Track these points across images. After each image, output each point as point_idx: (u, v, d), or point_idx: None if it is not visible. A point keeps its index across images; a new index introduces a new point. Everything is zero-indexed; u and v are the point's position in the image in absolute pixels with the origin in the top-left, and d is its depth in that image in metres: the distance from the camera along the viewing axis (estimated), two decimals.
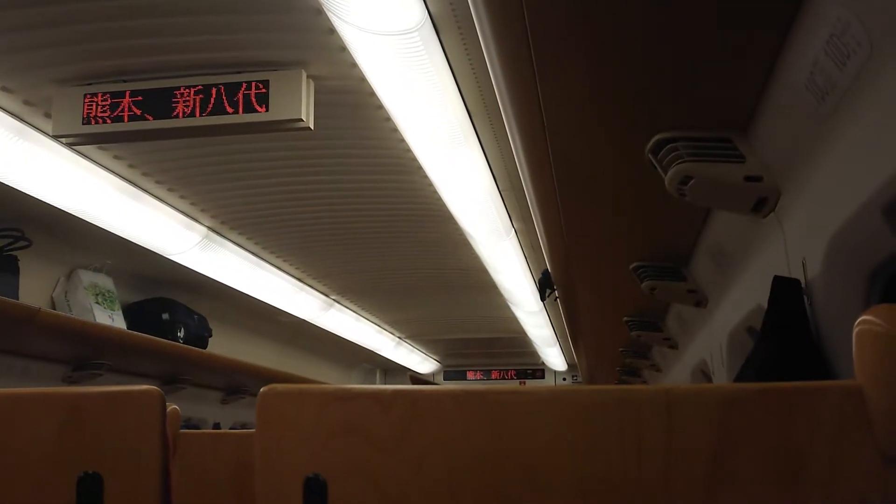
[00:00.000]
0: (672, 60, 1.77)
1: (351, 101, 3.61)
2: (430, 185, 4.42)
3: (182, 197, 4.68)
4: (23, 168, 3.80)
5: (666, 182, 2.10)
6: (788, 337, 1.90)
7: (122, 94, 3.37)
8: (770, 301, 1.97)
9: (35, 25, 3.00)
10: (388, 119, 3.66)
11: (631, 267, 3.27)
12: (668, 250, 3.12)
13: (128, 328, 5.18)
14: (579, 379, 11.54)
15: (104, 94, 3.38)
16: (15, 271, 4.45)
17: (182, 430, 2.05)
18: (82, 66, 3.30)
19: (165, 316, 5.68)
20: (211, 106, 3.30)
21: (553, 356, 11.35)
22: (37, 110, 3.56)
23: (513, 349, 11.41)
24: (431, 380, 12.91)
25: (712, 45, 1.71)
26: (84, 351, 4.75)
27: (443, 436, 0.95)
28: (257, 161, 4.31)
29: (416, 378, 11.95)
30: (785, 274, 2.02)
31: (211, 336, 6.18)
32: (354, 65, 3.16)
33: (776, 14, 1.57)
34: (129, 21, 3.01)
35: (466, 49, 3.14)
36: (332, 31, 2.95)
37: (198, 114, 3.31)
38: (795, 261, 2.00)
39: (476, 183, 4.31)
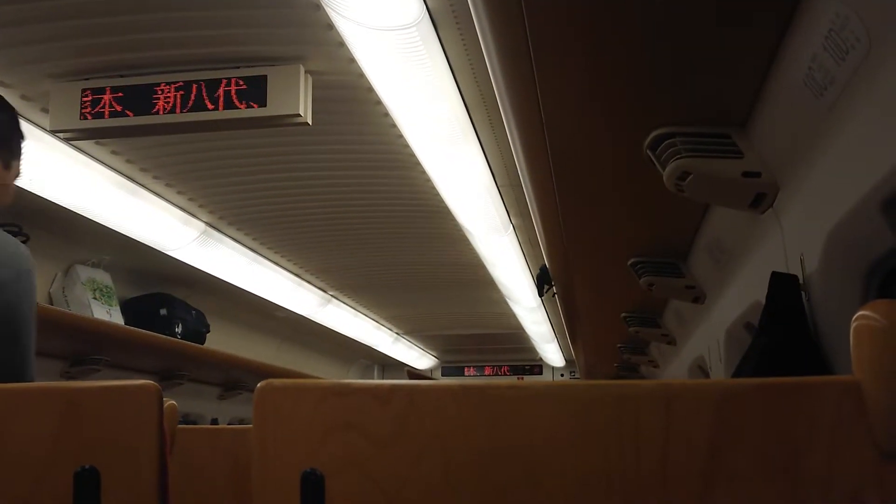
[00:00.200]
0: (670, 55, 1.77)
1: (349, 97, 3.61)
2: (429, 180, 4.42)
3: (180, 192, 4.67)
4: (20, 163, 3.79)
5: (664, 178, 2.10)
6: (786, 333, 1.90)
7: (119, 90, 3.36)
8: (768, 297, 1.97)
9: (32, 20, 2.99)
10: (387, 115, 3.65)
11: (629, 263, 3.27)
12: (666, 246, 3.12)
13: (125, 324, 5.18)
14: (577, 375, 11.55)
15: (102, 89, 3.37)
16: None
17: (180, 426, 2.05)
18: (80, 61, 3.30)
19: (163, 311, 5.68)
20: (210, 101, 3.30)
21: (551, 352, 11.36)
22: (34, 105, 3.56)
23: (511, 345, 11.41)
24: (429, 375, 12.91)
25: (711, 40, 1.70)
26: (82, 346, 4.75)
27: (441, 431, 0.95)
28: (255, 157, 4.30)
29: (413, 373, 11.96)
30: (783, 270, 2.02)
31: (209, 332, 6.17)
32: (353, 60, 3.15)
33: (775, 9, 1.57)
34: (126, 16, 3.01)
35: (465, 44, 3.14)
36: (330, 26, 2.94)
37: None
38: (793, 256, 2.00)
39: (474, 179, 4.31)
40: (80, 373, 4.95)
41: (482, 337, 10.65)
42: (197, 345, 5.72)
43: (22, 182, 3.88)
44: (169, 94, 3.32)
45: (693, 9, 1.60)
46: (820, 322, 1.88)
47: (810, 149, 1.78)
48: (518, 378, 13.01)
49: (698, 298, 3.31)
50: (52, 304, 4.87)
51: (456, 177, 4.28)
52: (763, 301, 2.00)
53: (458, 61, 3.24)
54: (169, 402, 1.77)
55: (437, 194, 4.61)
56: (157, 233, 4.93)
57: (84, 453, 1.03)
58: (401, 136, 3.84)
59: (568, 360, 11.92)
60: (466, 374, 13.51)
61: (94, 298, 5.06)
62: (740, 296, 2.67)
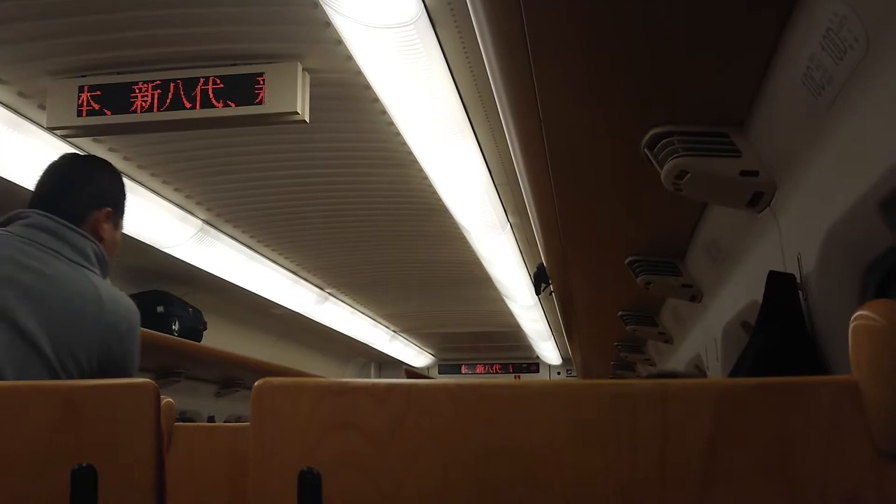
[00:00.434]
0: (668, 54, 1.77)
1: (347, 95, 3.61)
2: (426, 178, 4.42)
3: (177, 190, 4.67)
4: (17, 160, 3.79)
5: (662, 176, 2.10)
6: (783, 332, 1.90)
7: (117, 86, 3.36)
8: (765, 296, 1.97)
9: (30, 17, 2.99)
10: (384, 112, 3.65)
11: (626, 261, 3.28)
12: (663, 245, 3.12)
13: None
14: (574, 373, 11.56)
15: (99, 85, 3.37)
16: None
17: (177, 423, 2.05)
18: (77, 58, 3.29)
19: (160, 309, 5.68)
20: (208, 98, 3.29)
21: (548, 350, 11.37)
22: (31, 102, 3.55)
23: (507, 343, 11.42)
24: (426, 374, 12.92)
25: (709, 39, 1.70)
26: None
27: (437, 430, 0.94)
28: (253, 154, 4.30)
29: (410, 372, 11.96)
30: (780, 269, 2.02)
31: (206, 329, 6.17)
32: (350, 58, 3.15)
33: (773, 8, 1.57)
34: (124, 13, 3.00)
35: (462, 43, 3.14)
36: (328, 23, 2.94)
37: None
38: (791, 256, 2.01)
39: (472, 177, 4.31)
40: None
41: (479, 335, 10.66)
42: (194, 342, 5.72)
43: (20, 179, 3.89)
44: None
45: (691, 6, 1.60)
46: (817, 321, 1.88)
47: (808, 148, 1.78)
48: (515, 376, 13.02)
49: (695, 297, 3.31)
50: None
51: (453, 175, 4.28)
52: (760, 300, 2.00)
53: (455, 59, 3.24)
54: (166, 399, 1.77)
55: (435, 192, 4.61)
56: (154, 230, 4.92)
57: (81, 451, 1.03)
58: (398, 133, 3.84)
59: (565, 359, 11.93)
60: (465, 371, 13.51)
61: None
62: (737, 295, 2.67)
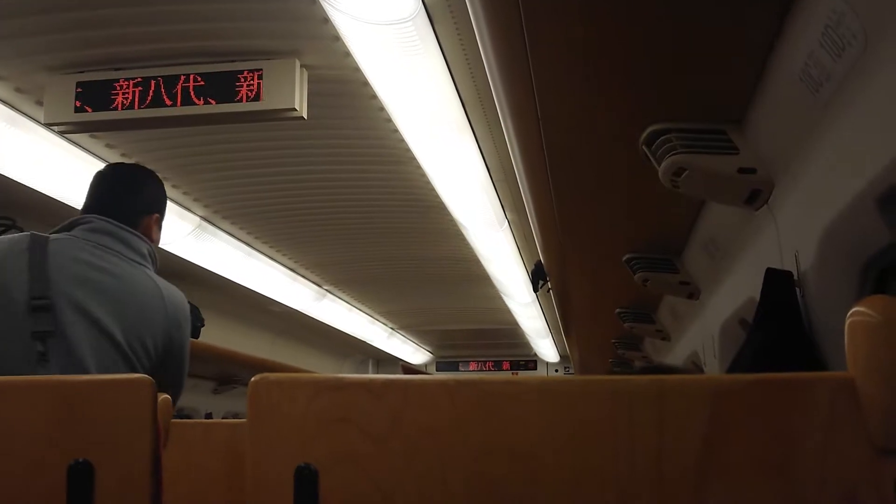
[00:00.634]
0: (666, 51, 1.77)
1: (345, 91, 3.60)
2: (424, 175, 4.42)
3: (175, 186, 4.67)
4: (14, 156, 3.79)
5: (660, 174, 2.10)
6: (781, 329, 1.90)
7: (115, 82, 3.35)
8: (762, 293, 1.97)
9: (28, 12, 2.98)
10: (382, 109, 3.65)
11: (624, 258, 3.28)
12: (661, 242, 3.12)
13: None
14: (571, 370, 11.56)
15: (97, 82, 3.36)
16: None
17: (174, 420, 2.05)
18: (75, 54, 3.29)
19: None
20: (206, 94, 3.29)
21: (545, 347, 11.37)
22: (29, 98, 3.55)
23: (505, 340, 11.43)
24: (424, 370, 12.92)
25: (707, 36, 1.70)
26: None
27: (434, 425, 0.95)
28: (250, 151, 4.29)
29: (407, 368, 11.96)
30: (778, 266, 2.02)
31: (203, 326, 6.16)
32: (348, 54, 3.14)
33: (772, 4, 1.57)
34: (122, 9, 2.99)
35: (461, 39, 3.13)
36: (326, 20, 2.94)
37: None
38: (788, 253, 2.01)
39: (469, 173, 4.30)
40: None
41: (477, 332, 10.66)
42: (192, 339, 5.71)
43: (17, 175, 3.88)
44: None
45: (690, 4, 1.60)
46: (814, 318, 1.88)
47: (806, 145, 1.78)
48: (513, 374, 13.03)
49: (693, 294, 3.31)
50: None
51: (451, 171, 4.28)
52: (758, 297, 2.00)
53: (453, 56, 3.24)
54: (163, 395, 1.77)
55: (433, 189, 4.61)
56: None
57: (78, 447, 1.03)
58: (396, 130, 3.84)
59: (562, 356, 11.92)
60: (462, 368, 13.52)
61: None
62: (735, 292, 2.67)
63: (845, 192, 1.62)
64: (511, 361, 13.48)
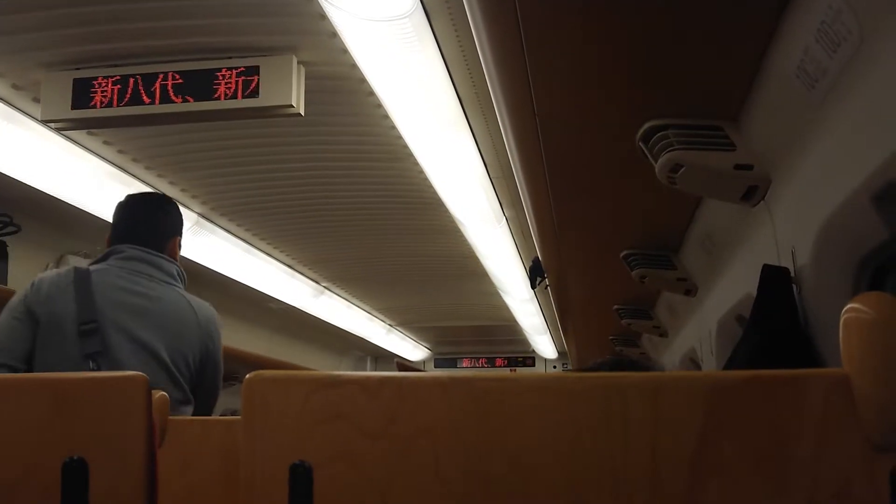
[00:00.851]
0: (663, 48, 1.77)
1: (342, 88, 3.60)
2: (421, 172, 4.42)
3: (172, 183, 4.66)
4: (11, 153, 3.78)
5: (657, 170, 2.10)
6: (777, 325, 1.90)
7: (111, 79, 3.35)
8: (759, 289, 1.97)
9: (24, 8, 2.98)
10: (379, 105, 3.64)
11: (621, 255, 3.28)
12: (658, 239, 3.12)
13: None
14: (569, 367, 11.56)
15: (93, 78, 3.36)
16: (3, 257, 4.44)
17: (170, 417, 2.05)
18: (72, 51, 3.28)
19: None
20: (202, 91, 3.29)
21: (543, 344, 11.37)
22: (25, 95, 3.54)
23: (503, 337, 11.43)
24: (419, 367, 12.92)
25: (703, 33, 1.70)
26: None
27: (430, 423, 0.94)
28: (248, 147, 4.29)
29: (402, 365, 11.96)
30: (774, 262, 2.02)
31: None
32: (345, 51, 3.14)
33: (768, 0, 1.57)
34: (119, 5, 2.99)
35: (458, 35, 3.13)
36: (323, 16, 2.93)
37: (190, 99, 3.29)
38: (785, 249, 2.01)
39: (467, 170, 4.30)
40: None
41: (475, 329, 10.66)
42: None
43: (14, 172, 3.88)
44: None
45: (686, 1, 1.60)
46: (811, 315, 1.88)
47: (802, 141, 1.78)
48: (511, 370, 13.04)
49: (690, 291, 3.32)
50: None
51: (449, 168, 4.28)
52: (754, 293, 2.00)
53: (450, 53, 3.24)
54: (160, 393, 1.77)
55: (430, 186, 4.61)
56: None
57: (72, 444, 1.03)
58: (393, 127, 3.84)
59: (560, 352, 11.93)
60: (459, 366, 13.52)
61: None
62: (732, 288, 2.68)
63: (841, 189, 1.62)
64: (509, 358, 13.48)
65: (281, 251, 6.31)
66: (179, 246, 2.67)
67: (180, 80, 3.29)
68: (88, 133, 3.91)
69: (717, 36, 1.71)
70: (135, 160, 4.29)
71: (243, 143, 4.24)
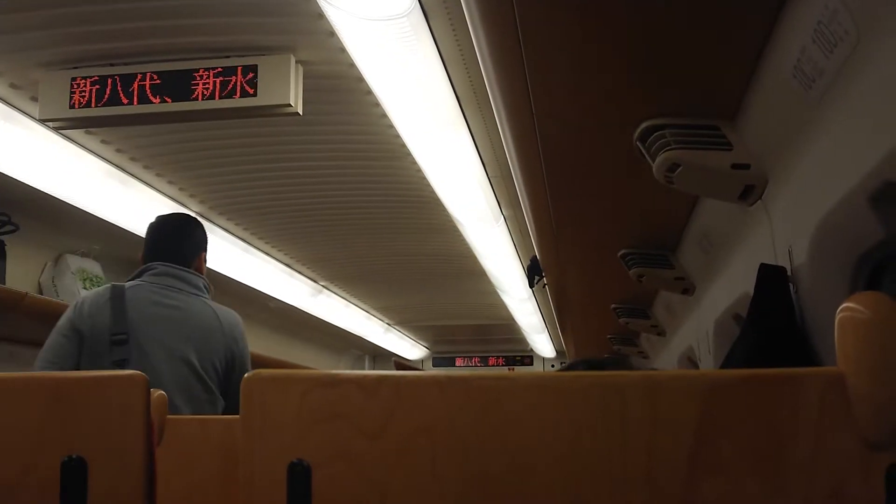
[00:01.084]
0: (659, 47, 1.77)
1: (340, 87, 3.60)
2: (419, 171, 4.42)
3: (170, 182, 4.66)
4: (9, 152, 3.78)
5: (654, 169, 2.10)
6: (774, 324, 1.91)
7: (109, 78, 3.35)
8: (756, 288, 1.98)
9: (22, 7, 2.98)
10: (377, 105, 3.65)
11: (619, 254, 3.28)
12: (656, 238, 3.13)
13: None
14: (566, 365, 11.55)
15: (92, 77, 3.36)
16: (2, 256, 4.44)
17: (169, 416, 2.05)
18: (69, 50, 3.28)
19: None
20: (201, 90, 3.29)
21: (541, 343, 11.38)
22: (23, 94, 3.54)
23: (501, 336, 11.43)
24: (416, 366, 12.92)
25: (701, 33, 1.71)
26: None
27: (427, 421, 0.95)
28: (246, 147, 4.29)
29: (400, 364, 11.97)
30: (771, 261, 2.02)
31: None
32: (343, 50, 3.14)
33: (765, 1, 1.57)
34: (117, 4, 2.99)
35: (455, 35, 3.13)
36: (320, 15, 2.93)
37: (187, 98, 3.30)
38: (782, 248, 2.01)
39: (465, 169, 4.31)
40: None
41: (473, 328, 10.66)
42: None
43: (12, 171, 3.88)
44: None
45: (683, 1, 1.60)
46: (807, 314, 1.89)
47: (799, 141, 1.78)
48: (509, 369, 13.04)
49: (688, 290, 3.32)
50: (41, 294, 4.86)
51: (447, 167, 4.28)
52: (752, 292, 2.00)
53: (448, 52, 3.24)
54: (158, 392, 1.77)
55: (428, 185, 4.61)
56: (147, 222, 4.90)
57: (71, 443, 1.03)
58: (391, 126, 3.84)
59: (558, 351, 11.94)
60: (458, 364, 13.52)
61: (85, 288, 5.05)
62: (729, 287, 2.68)
63: (838, 188, 1.62)
64: (507, 357, 13.48)
65: (279, 250, 6.31)
66: (205, 260, 2.96)
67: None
68: (86, 132, 3.91)
69: (714, 36, 1.71)
70: (133, 159, 4.29)
71: (241, 143, 4.24)
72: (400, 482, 0.94)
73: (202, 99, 3.28)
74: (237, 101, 3.27)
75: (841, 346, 0.90)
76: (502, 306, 8.33)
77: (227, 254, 5.79)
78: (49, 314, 4.35)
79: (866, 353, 0.88)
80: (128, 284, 2.74)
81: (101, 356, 2.57)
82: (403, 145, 4.06)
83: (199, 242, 2.97)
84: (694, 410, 0.93)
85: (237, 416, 0.99)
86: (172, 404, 2.51)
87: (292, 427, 0.95)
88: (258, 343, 7.76)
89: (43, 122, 3.50)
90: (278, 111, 3.31)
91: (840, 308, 0.90)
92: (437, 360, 13.43)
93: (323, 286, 7.52)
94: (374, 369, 11.87)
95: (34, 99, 3.49)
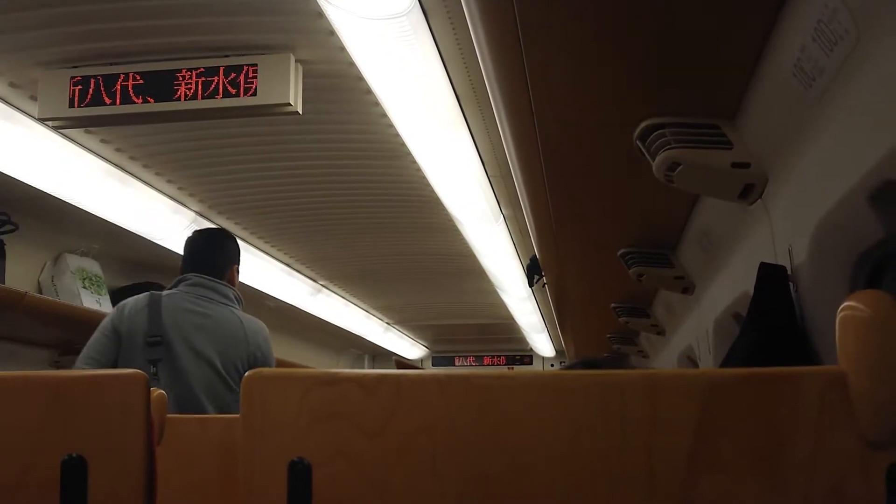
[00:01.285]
0: (659, 46, 1.77)
1: (339, 86, 3.60)
2: (419, 170, 4.42)
3: (170, 181, 4.66)
4: (8, 151, 3.78)
5: (654, 168, 2.10)
6: (774, 323, 1.91)
7: (109, 78, 3.35)
8: (756, 287, 1.98)
9: (21, 7, 2.98)
10: (377, 104, 3.64)
11: (619, 253, 3.28)
12: (655, 237, 3.13)
13: None
14: (566, 364, 11.55)
15: (91, 76, 3.35)
16: (1, 255, 4.44)
17: (169, 415, 2.05)
18: (69, 49, 3.28)
19: None
20: (200, 89, 3.29)
21: (541, 342, 11.38)
22: (22, 93, 3.54)
23: (501, 335, 11.42)
24: (416, 364, 12.93)
25: (699, 31, 1.71)
26: (71, 335, 4.74)
27: (427, 420, 0.95)
28: (245, 146, 4.29)
29: (401, 363, 11.98)
30: (771, 260, 2.02)
31: None
32: (343, 49, 3.14)
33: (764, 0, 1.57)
34: (117, 3, 2.99)
35: (455, 34, 3.13)
36: (320, 14, 2.93)
37: (187, 97, 3.29)
38: (782, 247, 2.01)
39: (465, 168, 4.30)
40: (70, 362, 4.92)
41: (473, 327, 10.66)
42: None
43: (11, 170, 3.88)
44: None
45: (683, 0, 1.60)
46: (807, 313, 1.89)
47: (799, 140, 1.78)
48: (509, 368, 13.04)
49: (687, 289, 3.32)
50: (41, 293, 4.86)
51: (446, 166, 4.28)
52: (752, 291, 2.00)
53: (448, 51, 3.24)
54: (157, 391, 1.77)
55: (428, 184, 4.61)
56: (147, 222, 4.91)
57: (71, 442, 1.03)
58: (391, 125, 3.84)
59: (558, 350, 11.94)
60: (458, 363, 13.52)
61: (84, 287, 5.05)
62: (729, 286, 2.68)
63: (838, 187, 1.62)
64: (507, 356, 13.48)
65: (279, 249, 6.31)
66: (237, 272, 3.27)
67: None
68: (86, 131, 3.90)
69: (714, 35, 1.71)
70: (132, 158, 4.29)
71: (241, 142, 4.24)
72: (400, 481, 0.94)
73: (201, 98, 3.28)
74: (237, 100, 3.27)
75: (841, 344, 0.90)
76: (502, 305, 8.33)
77: None
78: (49, 313, 4.36)
79: (867, 352, 0.88)
80: (164, 293, 3.07)
81: (136, 355, 2.88)
82: (403, 144, 4.06)
83: (232, 256, 3.27)
84: (694, 409, 0.93)
85: (237, 415, 0.99)
86: (198, 400, 2.88)
87: (292, 426, 0.95)
88: None
89: (42, 121, 3.50)
90: (278, 110, 3.31)
91: (841, 307, 0.90)
92: (437, 360, 13.43)
93: (322, 285, 7.52)
94: (373, 369, 11.86)
95: (33, 98, 3.49)
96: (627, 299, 4.36)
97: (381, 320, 9.88)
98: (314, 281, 7.32)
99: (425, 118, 3.67)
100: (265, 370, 0.98)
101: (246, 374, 0.97)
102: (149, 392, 1.05)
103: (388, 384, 0.96)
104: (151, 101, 3.32)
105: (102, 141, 4.05)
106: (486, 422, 0.95)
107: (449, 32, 3.12)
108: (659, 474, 0.91)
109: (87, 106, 3.34)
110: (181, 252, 5.49)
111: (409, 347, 12.04)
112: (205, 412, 2.86)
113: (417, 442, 0.94)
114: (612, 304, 4.46)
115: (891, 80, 1.37)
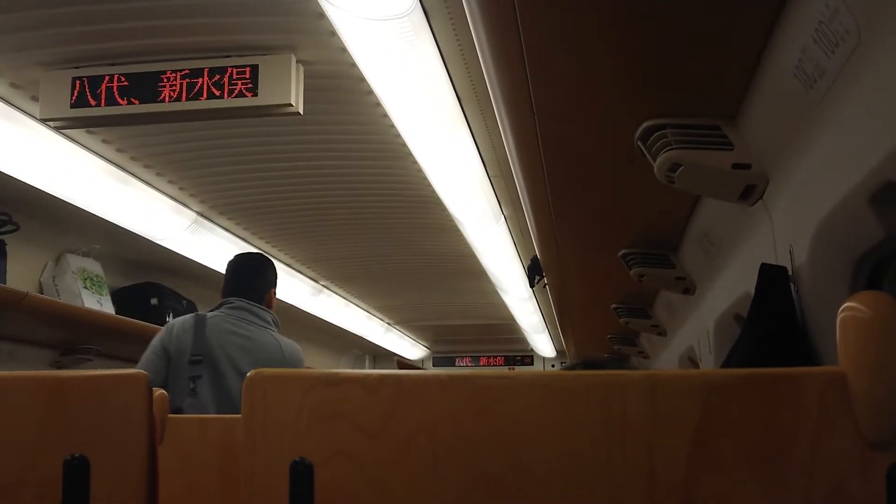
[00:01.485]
0: (660, 47, 1.77)
1: (340, 86, 3.60)
2: (420, 170, 4.42)
3: (171, 182, 4.66)
4: (10, 152, 3.78)
5: (655, 169, 2.10)
6: (775, 324, 1.91)
7: (109, 78, 3.35)
8: (757, 288, 1.98)
9: (22, 7, 2.98)
10: (378, 104, 3.65)
11: (620, 254, 3.28)
12: (656, 237, 3.13)
13: (116, 313, 5.17)
14: (567, 365, 11.54)
15: (92, 77, 3.36)
16: (2, 255, 4.44)
17: (170, 415, 2.06)
18: (70, 49, 3.28)
19: (154, 301, 5.66)
20: (198, 90, 3.29)
21: (542, 343, 11.37)
22: (24, 93, 3.54)
23: (502, 336, 11.42)
24: (418, 365, 12.92)
25: (701, 32, 1.71)
26: (72, 336, 4.75)
27: (428, 420, 0.95)
28: (247, 146, 4.29)
29: (402, 363, 11.97)
30: (772, 261, 2.03)
31: None
32: (344, 49, 3.14)
33: (766, 0, 1.57)
34: (117, 3, 2.99)
35: (456, 34, 3.13)
36: (321, 15, 2.93)
37: (185, 98, 3.30)
38: (783, 248, 2.01)
39: (466, 169, 4.31)
40: (71, 362, 4.94)
41: (473, 327, 10.65)
42: None
43: (13, 171, 3.88)
44: (175, 82, 3.33)
45: (684, 0, 1.60)
46: (808, 313, 1.89)
47: (800, 141, 1.78)
48: (509, 368, 13.04)
49: (688, 289, 3.32)
50: (42, 293, 4.86)
51: (447, 166, 4.28)
52: (752, 292, 2.00)
53: (449, 52, 3.24)
54: (159, 391, 1.78)
55: (429, 184, 4.61)
56: (148, 222, 4.91)
57: (73, 442, 1.03)
58: (392, 125, 3.84)
59: (559, 351, 11.93)
60: (459, 364, 13.51)
61: (85, 287, 5.05)
62: (730, 287, 2.68)
63: (839, 188, 1.62)
64: (507, 356, 13.48)
65: (280, 250, 6.31)
66: (275, 295, 3.55)
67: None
68: (87, 132, 3.91)
69: (715, 35, 1.71)
70: (133, 159, 4.29)
71: (242, 142, 4.24)
72: (401, 481, 0.94)
73: (206, 98, 3.28)
74: (237, 101, 3.27)
75: (842, 345, 0.90)
76: (503, 306, 8.33)
77: (228, 253, 5.76)
78: (50, 314, 4.37)
79: (867, 353, 0.88)
80: (209, 314, 3.32)
81: (182, 372, 3.13)
82: (404, 145, 4.06)
83: (270, 280, 3.56)
84: (694, 410, 0.93)
85: (238, 415, 0.99)
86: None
87: (294, 426, 0.95)
88: None
89: (43, 121, 3.50)
90: (279, 111, 3.31)
91: (841, 307, 0.90)
92: (438, 360, 13.42)
93: (323, 286, 7.52)
94: (374, 369, 11.84)
95: (35, 98, 3.49)
96: (628, 300, 4.36)
97: (382, 321, 9.88)
98: (315, 281, 7.33)
99: (426, 118, 3.67)
100: (266, 370, 0.99)
101: (248, 374, 0.97)
102: (150, 392, 1.05)
103: (390, 384, 0.96)
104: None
105: (104, 141, 4.05)
106: (487, 422, 0.95)
107: (450, 33, 3.12)
108: (659, 474, 0.92)
109: (88, 106, 3.34)
110: (183, 252, 5.51)
111: (409, 348, 12.04)
112: None
113: (419, 442, 0.95)
114: (613, 305, 4.46)
115: (892, 82, 1.37)
